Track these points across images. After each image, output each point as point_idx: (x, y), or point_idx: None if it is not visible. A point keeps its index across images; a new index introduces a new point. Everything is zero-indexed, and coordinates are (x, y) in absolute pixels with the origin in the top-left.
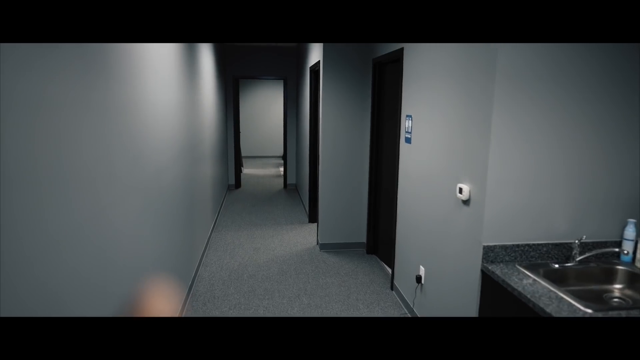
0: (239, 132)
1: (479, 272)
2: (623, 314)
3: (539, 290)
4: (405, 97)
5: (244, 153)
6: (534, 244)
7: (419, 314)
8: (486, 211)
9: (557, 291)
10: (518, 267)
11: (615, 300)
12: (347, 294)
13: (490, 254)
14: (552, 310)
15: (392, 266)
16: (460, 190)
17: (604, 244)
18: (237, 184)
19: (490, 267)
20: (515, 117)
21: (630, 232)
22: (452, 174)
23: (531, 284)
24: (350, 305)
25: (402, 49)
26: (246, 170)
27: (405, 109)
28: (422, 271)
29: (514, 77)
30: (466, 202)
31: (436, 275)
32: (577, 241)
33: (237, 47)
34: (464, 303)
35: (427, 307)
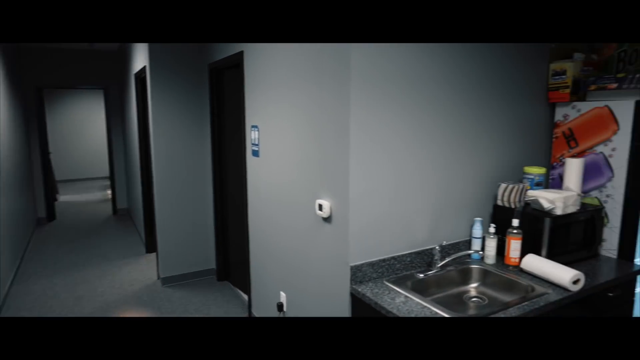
0: (49, 153)
1: (348, 295)
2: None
3: (412, 308)
4: (250, 106)
5: (59, 177)
6: (398, 256)
7: None
8: (350, 228)
9: (426, 304)
10: (386, 283)
11: (474, 300)
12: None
13: (358, 273)
14: None
15: (248, 292)
16: (320, 207)
17: (457, 245)
18: (50, 215)
19: (359, 289)
20: (373, 124)
21: (477, 230)
22: (309, 190)
23: (404, 302)
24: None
25: (241, 53)
26: (63, 198)
27: (250, 119)
28: (283, 297)
29: (370, 80)
30: (327, 220)
31: (300, 302)
32: (437, 247)
33: (40, 50)
34: None
35: None
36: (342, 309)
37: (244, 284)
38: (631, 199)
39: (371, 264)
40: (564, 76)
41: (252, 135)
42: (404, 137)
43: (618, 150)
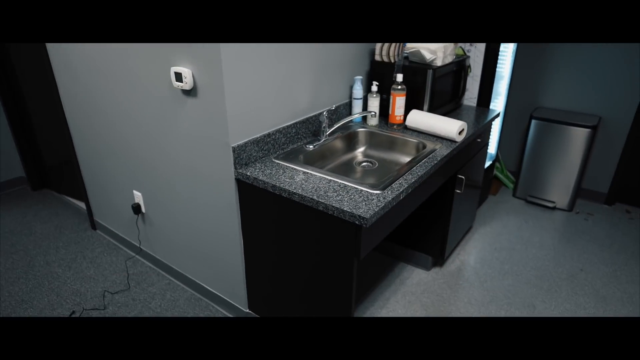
0: None
1: (233, 183)
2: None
3: (317, 184)
4: None
5: None
6: (283, 128)
7: (151, 251)
8: (228, 100)
9: (329, 177)
10: (276, 160)
11: (363, 164)
12: (37, 264)
13: (243, 154)
14: (340, 201)
15: (84, 199)
16: (179, 77)
17: (339, 109)
18: None
19: (248, 173)
20: None
21: (358, 90)
22: (160, 55)
23: (305, 180)
24: (48, 273)
25: None
26: None
27: None
28: (138, 197)
29: None
30: (191, 92)
31: (164, 200)
32: (325, 113)
33: None
34: (216, 226)
35: (162, 241)
36: (227, 201)
37: (74, 190)
38: (491, 48)
39: (256, 142)
40: None
41: None
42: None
43: None
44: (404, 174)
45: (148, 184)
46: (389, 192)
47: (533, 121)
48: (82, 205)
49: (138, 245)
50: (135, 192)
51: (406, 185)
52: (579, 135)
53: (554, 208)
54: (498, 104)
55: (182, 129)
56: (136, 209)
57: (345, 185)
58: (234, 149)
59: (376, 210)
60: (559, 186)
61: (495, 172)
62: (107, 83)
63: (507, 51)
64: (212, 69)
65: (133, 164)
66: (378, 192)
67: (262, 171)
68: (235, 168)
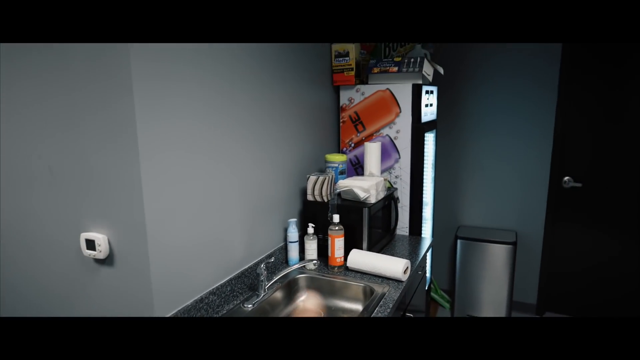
0: None
1: None
2: None
3: None
4: None
5: None
6: (216, 288)
7: None
8: (153, 267)
9: None
10: None
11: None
12: None
13: None
14: None
15: None
16: (91, 245)
17: (274, 255)
18: None
19: None
20: (167, 120)
21: (292, 233)
22: (66, 219)
23: None
24: None
25: None
26: None
27: None
28: None
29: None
30: (105, 261)
31: None
32: (262, 265)
33: None
34: None
35: None
36: None
37: None
38: (415, 178)
39: (186, 311)
40: (347, 58)
41: None
42: (205, 142)
43: (402, 132)
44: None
45: None
46: None
47: (459, 241)
48: None
49: None
50: None
51: None
52: (501, 252)
53: None
54: (427, 228)
55: (93, 305)
56: None
57: None
58: None
59: None
60: (493, 302)
61: (431, 293)
62: (6, 248)
63: (427, 178)
64: (134, 233)
65: None
66: None
67: None
68: None
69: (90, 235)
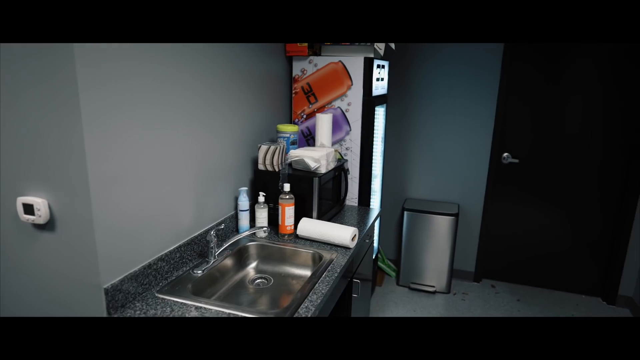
0: None
1: None
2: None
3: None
4: None
5: None
6: (165, 255)
7: None
8: (98, 233)
9: (224, 309)
10: (159, 295)
11: (257, 281)
12: None
13: (118, 295)
14: None
15: None
16: (29, 209)
17: (225, 222)
18: None
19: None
20: (112, 84)
21: (243, 202)
22: (3, 182)
23: (200, 317)
24: None
25: None
26: None
27: None
28: None
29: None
30: (46, 227)
31: None
32: (213, 233)
33: None
34: None
35: None
36: None
37: None
38: (365, 150)
39: (134, 276)
40: None
41: None
42: (152, 110)
43: (353, 104)
44: (308, 295)
45: None
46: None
47: (405, 213)
48: None
49: None
50: None
51: (313, 309)
52: (444, 223)
53: (434, 292)
54: (375, 200)
55: (32, 273)
56: None
57: (226, 314)
58: (106, 291)
59: None
60: (435, 270)
61: (378, 262)
62: None
63: (377, 151)
64: (77, 198)
65: None
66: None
67: (144, 313)
68: (109, 314)
69: (28, 199)
